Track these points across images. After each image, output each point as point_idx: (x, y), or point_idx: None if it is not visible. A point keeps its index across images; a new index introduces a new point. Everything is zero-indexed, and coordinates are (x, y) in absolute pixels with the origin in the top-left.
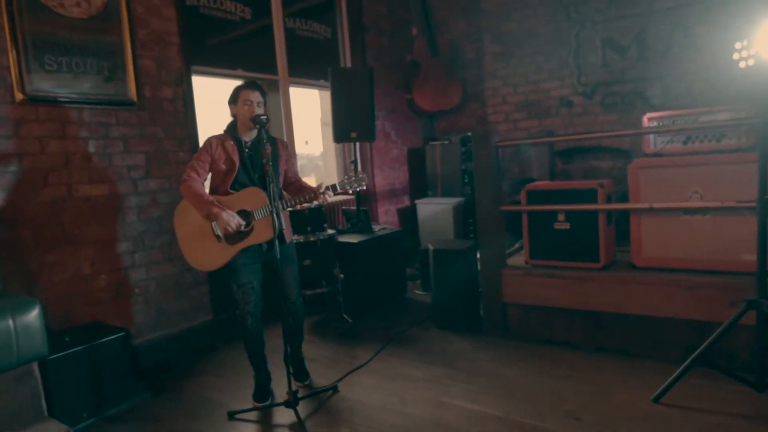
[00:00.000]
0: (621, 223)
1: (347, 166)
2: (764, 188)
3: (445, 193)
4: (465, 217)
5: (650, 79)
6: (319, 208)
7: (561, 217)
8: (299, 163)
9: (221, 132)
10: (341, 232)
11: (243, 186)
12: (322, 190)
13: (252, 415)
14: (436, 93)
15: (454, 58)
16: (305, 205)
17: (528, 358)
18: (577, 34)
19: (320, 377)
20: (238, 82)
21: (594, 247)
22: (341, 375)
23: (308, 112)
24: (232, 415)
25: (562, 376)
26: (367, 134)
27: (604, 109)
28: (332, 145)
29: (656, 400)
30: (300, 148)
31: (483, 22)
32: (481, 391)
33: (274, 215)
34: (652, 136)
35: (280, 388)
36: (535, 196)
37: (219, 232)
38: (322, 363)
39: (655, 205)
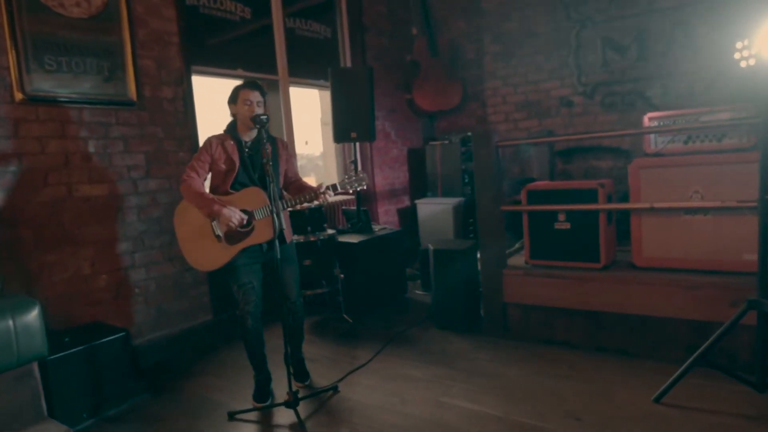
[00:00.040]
0: (621, 223)
1: (347, 166)
2: (765, 188)
3: (445, 193)
4: (465, 217)
5: (650, 78)
6: (319, 208)
7: (561, 217)
8: (299, 163)
9: (221, 132)
10: (341, 232)
11: (243, 186)
12: (322, 190)
13: (252, 416)
14: (436, 93)
15: (454, 58)
16: (305, 205)
17: (528, 358)
18: (577, 34)
19: (320, 377)
20: (238, 82)
21: (594, 247)
22: (341, 375)
23: (308, 112)
24: (232, 416)
25: (563, 376)
26: (367, 134)
27: (604, 109)
28: (332, 145)
29: (657, 400)
30: (300, 148)
31: (483, 22)
32: (482, 391)
33: (275, 215)
34: (652, 136)
35: (280, 389)
36: (536, 196)
37: (219, 232)
38: (322, 363)
39: (656, 205)
